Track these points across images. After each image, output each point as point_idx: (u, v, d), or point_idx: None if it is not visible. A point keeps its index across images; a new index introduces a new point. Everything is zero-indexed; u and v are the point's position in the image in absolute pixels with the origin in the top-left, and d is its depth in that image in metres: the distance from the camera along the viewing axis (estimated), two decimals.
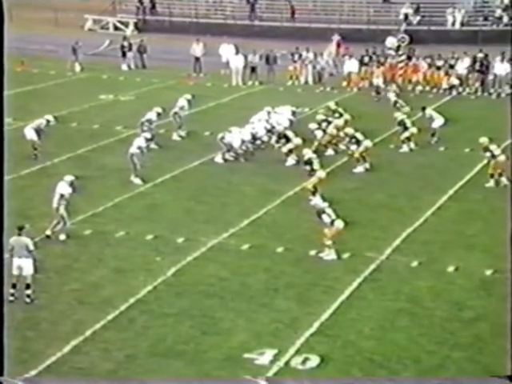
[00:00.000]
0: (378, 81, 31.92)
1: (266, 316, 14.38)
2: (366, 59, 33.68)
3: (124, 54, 37.24)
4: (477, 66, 32.42)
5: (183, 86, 33.05)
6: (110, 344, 13.47)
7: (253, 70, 34.50)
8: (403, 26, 42.73)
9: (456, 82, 32.38)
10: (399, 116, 25.10)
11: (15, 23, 47.43)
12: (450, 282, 15.93)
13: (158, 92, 31.99)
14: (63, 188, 17.70)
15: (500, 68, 32.04)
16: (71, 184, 17.77)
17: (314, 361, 12.99)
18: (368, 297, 15.25)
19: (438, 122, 25.34)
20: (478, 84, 32.42)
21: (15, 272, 14.77)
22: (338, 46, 38.31)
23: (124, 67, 37.06)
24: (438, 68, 32.82)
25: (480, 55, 32.61)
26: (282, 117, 25.39)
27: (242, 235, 18.01)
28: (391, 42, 39.06)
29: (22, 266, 14.84)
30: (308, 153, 21.72)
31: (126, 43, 37.47)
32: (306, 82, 34.45)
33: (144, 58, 37.15)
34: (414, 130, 24.72)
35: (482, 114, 29.02)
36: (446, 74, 32.65)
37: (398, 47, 37.78)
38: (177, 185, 21.46)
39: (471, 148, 24.34)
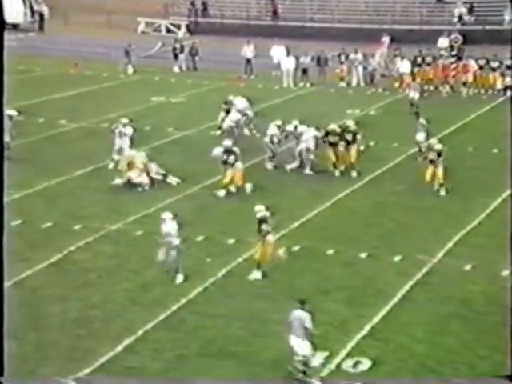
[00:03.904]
0: (414, 94, 28.98)
1: (317, 318, 14.29)
2: (419, 60, 33.38)
3: (176, 56, 37.54)
4: None
5: (234, 88, 33.18)
6: (160, 344, 13.55)
7: (304, 71, 34.45)
8: (457, 26, 42.23)
9: (511, 82, 31.83)
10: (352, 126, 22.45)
11: (70, 27, 48.30)
12: (504, 286, 15.64)
13: (208, 94, 32.14)
14: None
15: None
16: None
17: (366, 364, 12.89)
18: (420, 300, 15.07)
19: (421, 135, 23.40)
20: None
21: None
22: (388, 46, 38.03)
23: (176, 69, 37.34)
24: (493, 69, 32.31)
25: None
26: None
27: (292, 237, 17.97)
28: (443, 42, 38.64)
29: (295, 346, 12.56)
30: (229, 143, 20.97)
31: (177, 45, 37.76)
32: (358, 84, 34.25)
33: (196, 60, 37.38)
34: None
35: None
36: (502, 74, 32.15)
37: (452, 47, 37.35)
38: None
39: None
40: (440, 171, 20.75)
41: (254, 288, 15.52)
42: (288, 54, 35.28)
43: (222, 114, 25.22)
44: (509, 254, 15.26)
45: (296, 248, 17.39)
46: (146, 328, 14.01)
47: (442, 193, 20.70)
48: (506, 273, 16.14)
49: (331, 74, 34.38)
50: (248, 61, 36.34)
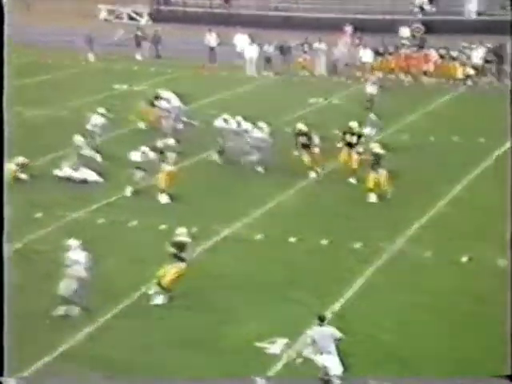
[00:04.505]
0: (372, 88, 28.02)
1: (280, 306, 14.36)
2: (381, 49, 33.61)
3: (138, 44, 37.32)
4: (493, 56, 32.23)
5: (198, 76, 33.06)
6: (124, 333, 13.50)
7: (267, 60, 34.46)
8: (419, 16, 42.52)
9: (472, 71, 32.18)
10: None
11: (32, 13, 47.69)
12: (464, 272, 15.85)
13: (172, 82, 31.96)
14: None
15: None
16: None
17: None
18: (381, 287, 15.20)
19: (368, 130, 22.90)
20: (494, 74, 32.22)
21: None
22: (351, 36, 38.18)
23: (138, 57, 37.10)
24: (454, 59, 32.63)
25: (496, 45, 32.41)
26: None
27: (254, 225, 18.01)
28: (404, 32, 38.89)
29: (328, 365, 11.37)
30: (166, 141, 20.25)
31: (140, 33, 37.54)
32: (321, 73, 34.31)
33: (158, 47, 37.17)
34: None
35: (497, 104, 28.81)
36: (462, 64, 32.46)
37: (413, 37, 37.62)
38: (190, 175, 21.42)
39: (486, 138, 24.21)
40: (382, 177, 19.09)
41: (217, 277, 15.52)
42: (252, 42, 35.25)
43: (148, 107, 24.95)
44: (509, 252, 15.38)
45: (259, 236, 17.42)
46: (107, 317, 13.95)
47: (372, 199, 19.17)
48: (464, 259, 16.35)
49: (294, 62, 34.42)
50: (212, 49, 36.23)
